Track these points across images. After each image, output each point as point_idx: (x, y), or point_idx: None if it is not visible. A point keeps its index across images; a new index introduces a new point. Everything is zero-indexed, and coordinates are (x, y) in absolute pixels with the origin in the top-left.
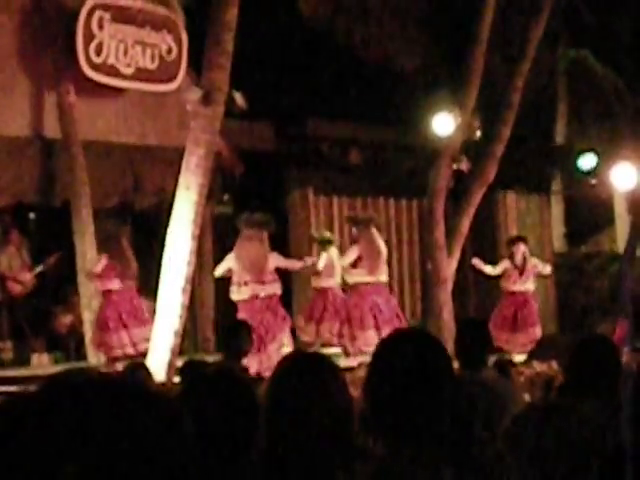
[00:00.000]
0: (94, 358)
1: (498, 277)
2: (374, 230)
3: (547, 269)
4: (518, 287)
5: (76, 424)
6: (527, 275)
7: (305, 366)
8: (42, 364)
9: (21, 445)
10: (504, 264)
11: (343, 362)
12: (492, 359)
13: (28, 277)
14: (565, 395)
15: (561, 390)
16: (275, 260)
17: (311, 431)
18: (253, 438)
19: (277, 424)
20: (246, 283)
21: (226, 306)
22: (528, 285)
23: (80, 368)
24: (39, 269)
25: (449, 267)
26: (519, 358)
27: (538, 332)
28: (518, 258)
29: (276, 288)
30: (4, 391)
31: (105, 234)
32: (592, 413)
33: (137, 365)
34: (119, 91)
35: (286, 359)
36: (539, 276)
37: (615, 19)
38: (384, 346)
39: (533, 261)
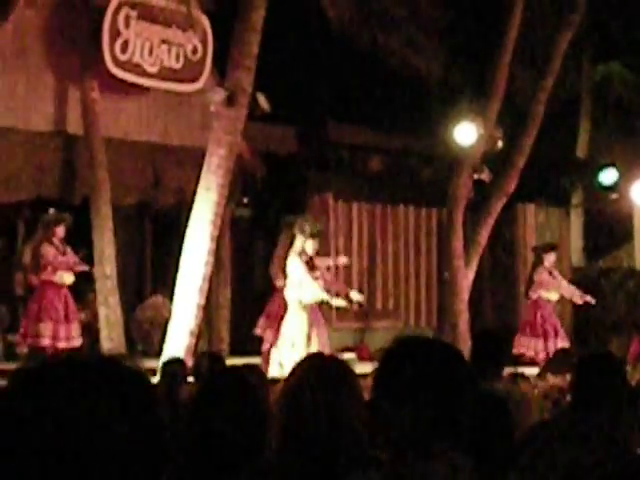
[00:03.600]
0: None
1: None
2: None
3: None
4: (554, 296)
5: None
6: (558, 284)
7: (323, 370)
8: None
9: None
10: (543, 273)
11: (358, 368)
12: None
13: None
14: (571, 410)
15: (568, 405)
16: None
17: (325, 435)
18: (261, 442)
19: (292, 426)
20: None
21: (242, 308)
22: (557, 294)
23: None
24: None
25: (466, 277)
26: (530, 371)
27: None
28: (550, 266)
29: None
30: None
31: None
32: (598, 429)
33: (174, 360)
34: (143, 89)
35: (304, 362)
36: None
37: None
38: (390, 353)
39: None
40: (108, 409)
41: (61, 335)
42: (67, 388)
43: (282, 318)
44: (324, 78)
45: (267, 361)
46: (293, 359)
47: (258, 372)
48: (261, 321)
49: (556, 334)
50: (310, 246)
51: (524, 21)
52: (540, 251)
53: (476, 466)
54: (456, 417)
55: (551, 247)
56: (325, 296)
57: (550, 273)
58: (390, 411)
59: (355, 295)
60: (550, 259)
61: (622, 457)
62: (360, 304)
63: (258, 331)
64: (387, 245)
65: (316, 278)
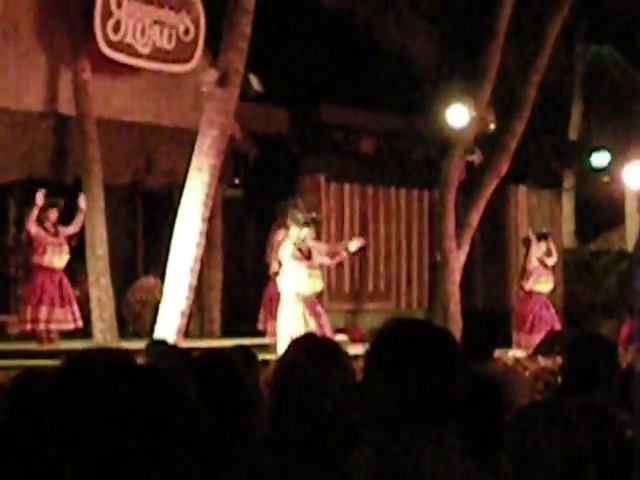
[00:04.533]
0: (99, 334)
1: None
2: None
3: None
4: (545, 287)
5: (93, 400)
6: (549, 273)
7: (316, 350)
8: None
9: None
10: (533, 263)
11: (349, 349)
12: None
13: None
14: (562, 392)
15: (559, 387)
16: None
17: (318, 415)
18: (248, 424)
19: (283, 406)
20: None
21: (234, 289)
22: (551, 284)
23: (97, 348)
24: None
25: (458, 259)
26: (520, 353)
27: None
28: (542, 256)
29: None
30: (8, 365)
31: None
32: (588, 410)
33: (159, 341)
34: (135, 70)
35: (296, 342)
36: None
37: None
38: (381, 335)
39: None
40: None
41: (55, 318)
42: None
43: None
44: (317, 59)
45: None
46: None
47: (248, 353)
48: (261, 315)
49: (547, 327)
50: (306, 234)
51: (516, 3)
52: (530, 241)
53: (466, 446)
54: (446, 398)
55: (539, 236)
56: (312, 287)
57: (541, 262)
58: (381, 392)
59: (352, 245)
60: (541, 248)
61: (612, 439)
62: (361, 249)
63: (260, 326)
64: (379, 227)
65: (311, 267)
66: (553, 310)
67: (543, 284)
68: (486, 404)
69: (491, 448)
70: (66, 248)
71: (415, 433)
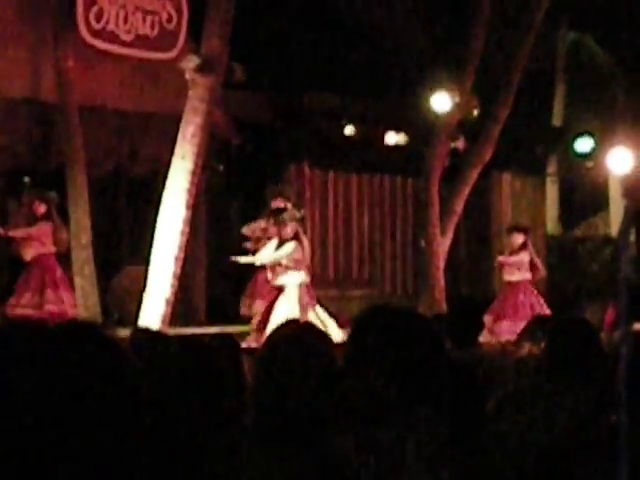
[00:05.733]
0: None
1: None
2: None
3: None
4: (517, 277)
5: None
6: (513, 267)
7: (300, 336)
8: None
9: None
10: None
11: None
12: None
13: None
14: (545, 378)
15: (540, 373)
16: None
17: (299, 402)
18: (229, 416)
19: (265, 392)
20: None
21: (218, 277)
22: (515, 277)
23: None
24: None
25: (442, 245)
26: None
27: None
28: (516, 247)
29: None
30: None
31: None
32: (572, 396)
33: (143, 329)
34: (118, 57)
35: (279, 329)
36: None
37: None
38: (361, 322)
39: (522, 254)
40: (80, 373)
41: (27, 302)
42: (41, 353)
43: (269, 293)
44: (300, 46)
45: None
46: None
47: (231, 342)
48: (248, 301)
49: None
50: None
51: None
52: (506, 232)
53: (449, 433)
54: (427, 385)
55: (511, 229)
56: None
57: (516, 253)
58: (362, 378)
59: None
60: (517, 240)
61: (596, 425)
62: None
63: (243, 310)
64: (363, 214)
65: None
66: (534, 296)
67: (514, 275)
68: (468, 390)
69: (474, 434)
70: (32, 242)
71: (396, 420)
